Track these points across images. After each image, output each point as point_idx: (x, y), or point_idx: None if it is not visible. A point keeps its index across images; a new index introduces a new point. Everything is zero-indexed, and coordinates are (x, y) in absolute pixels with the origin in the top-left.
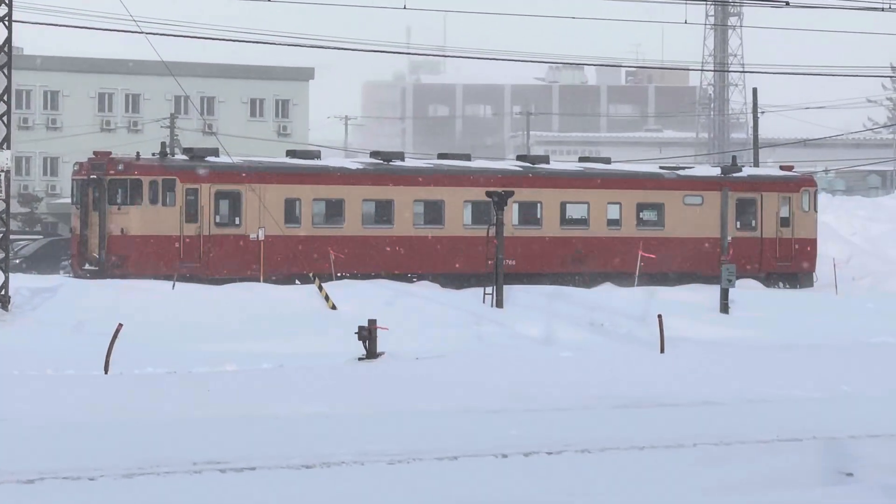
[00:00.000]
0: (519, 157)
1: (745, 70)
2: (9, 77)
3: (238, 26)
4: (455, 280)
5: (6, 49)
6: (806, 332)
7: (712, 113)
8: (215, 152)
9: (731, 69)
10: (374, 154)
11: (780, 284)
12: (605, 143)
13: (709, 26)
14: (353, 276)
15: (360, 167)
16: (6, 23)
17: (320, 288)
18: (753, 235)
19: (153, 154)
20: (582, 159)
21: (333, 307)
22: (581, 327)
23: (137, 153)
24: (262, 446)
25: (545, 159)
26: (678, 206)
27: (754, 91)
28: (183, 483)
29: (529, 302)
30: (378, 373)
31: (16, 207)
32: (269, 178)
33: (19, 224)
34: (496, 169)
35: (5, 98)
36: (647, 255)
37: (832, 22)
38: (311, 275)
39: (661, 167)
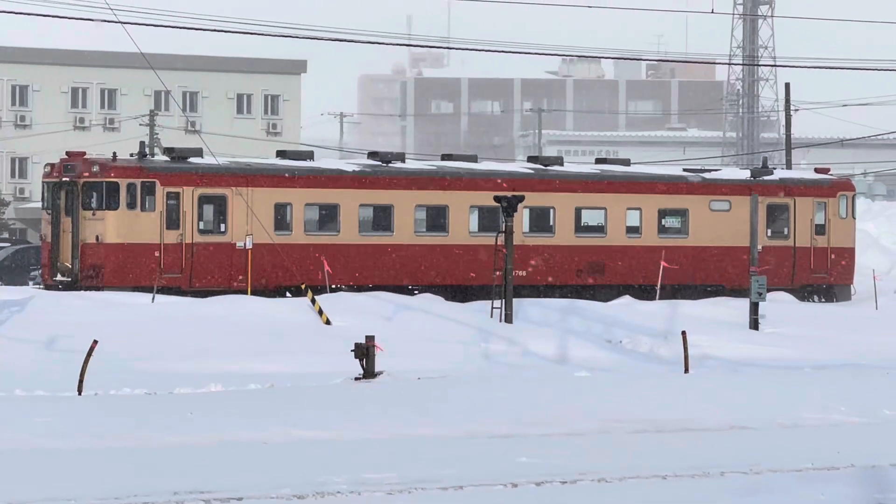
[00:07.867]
0: (530, 159)
1: (777, 63)
2: None
3: (224, 15)
4: (460, 293)
5: None
6: (843, 351)
7: (741, 110)
8: (199, 152)
9: (761, 62)
10: (371, 155)
11: (815, 298)
12: (623, 142)
13: (737, 16)
14: (349, 289)
15: (357, 169)
16: None
17: (313, 301)
18: (786, 244)
19: (131, 154)
20: (599, 161)
21: (328, 322)
22: (598, 345)
23: (114, 153)
24: (249, 474)
25: (558, 161)
26: (704, 213)
27: (787, 86)
28: None
29: (541, 317)
30: (376, 394)
31: None
32: (258, 180)
33: None
34: (505, 171)
35: None
36: (669, 265)
37: (871, 10)
38: (303, 287)
39: (684, 169)
